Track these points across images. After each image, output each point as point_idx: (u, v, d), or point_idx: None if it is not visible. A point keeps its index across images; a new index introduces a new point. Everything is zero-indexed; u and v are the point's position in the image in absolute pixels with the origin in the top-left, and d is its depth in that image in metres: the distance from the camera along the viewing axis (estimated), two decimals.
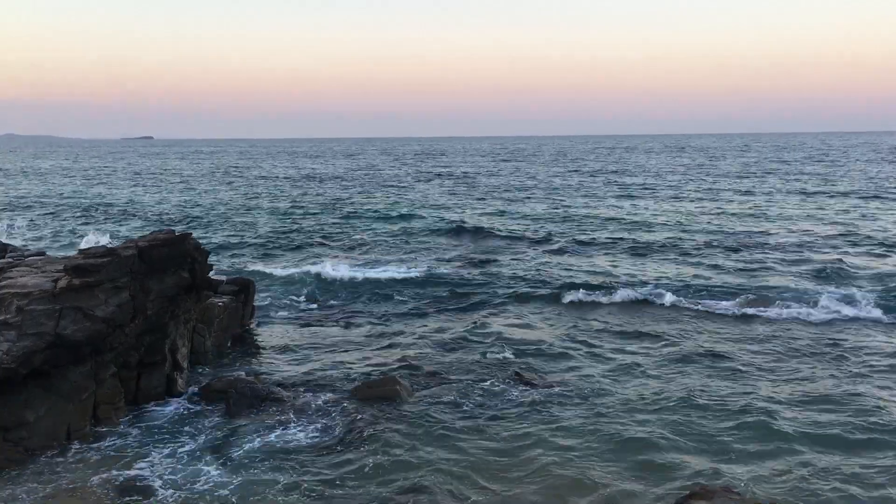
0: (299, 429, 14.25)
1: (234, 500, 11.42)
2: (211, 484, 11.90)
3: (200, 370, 17.45)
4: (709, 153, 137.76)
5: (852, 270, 27.03)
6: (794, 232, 36.31)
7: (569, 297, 23.85)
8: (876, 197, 52.02)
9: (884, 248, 31.59)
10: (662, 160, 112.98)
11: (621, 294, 23.87)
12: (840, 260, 28.65)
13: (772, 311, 21.70)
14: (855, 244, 32.81)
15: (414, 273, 27.84)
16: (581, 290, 24.41)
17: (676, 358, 17.87)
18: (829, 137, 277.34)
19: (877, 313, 21.25)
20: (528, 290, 25.06)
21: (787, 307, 21.93)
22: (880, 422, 13.73)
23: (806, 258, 29.57)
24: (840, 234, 35.34)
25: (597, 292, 24.22)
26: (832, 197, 52.84)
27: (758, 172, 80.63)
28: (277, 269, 28.95)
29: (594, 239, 35.38)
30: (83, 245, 28.24)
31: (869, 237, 34.29)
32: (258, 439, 13.70)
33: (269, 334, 20.64)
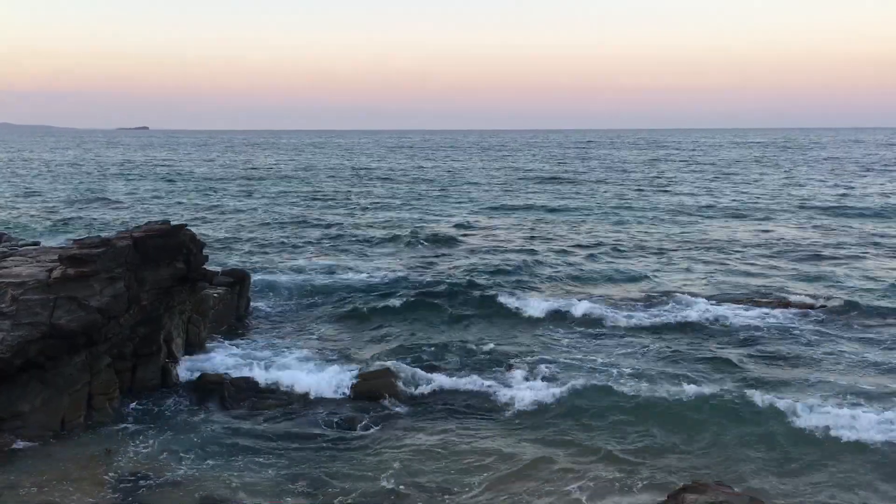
0: (292, 421, 14.28)
1: (225, 491, 11.43)
2: (203, 475, 11.91)
3: (195, 362, 17.39)
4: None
5: None
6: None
7: (569, 294, 23.92)
8: None
9: None
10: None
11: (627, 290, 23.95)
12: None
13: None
14: None
15: (410, 269, 27.82)
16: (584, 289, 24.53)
17: (677, 356, 17.86)
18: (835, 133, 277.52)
19: None
20: (527, 285, 25.04)
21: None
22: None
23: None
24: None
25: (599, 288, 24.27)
26: None
27: None
28: (275, 262, 28.93)
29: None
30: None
31: None
32: (251, 431, 13.71)
33: (264, 327, 20.62)
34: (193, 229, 18.09)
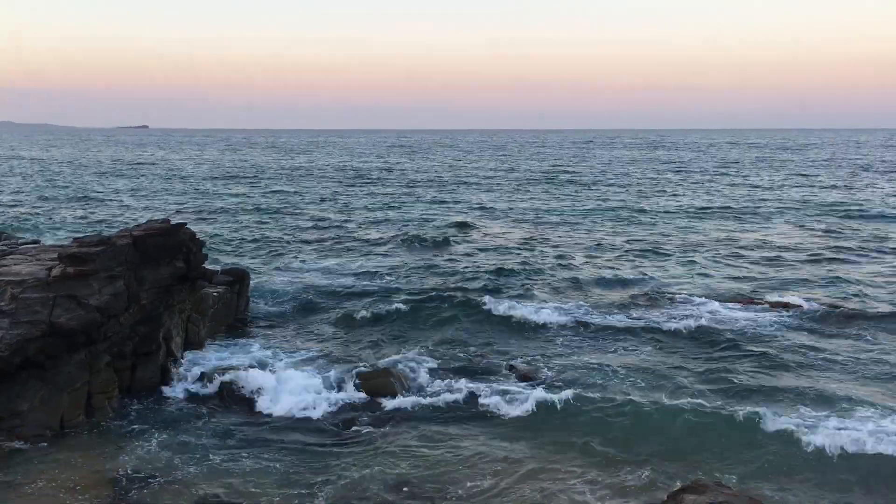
0: (292, 420, 14.26)
1: (225, 491, 11.42)
2: (202, 474, 11.90)
3: (194, 360, 17.39)
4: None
5: None
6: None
7: (570, 292, 23.92)
8: None
9: None
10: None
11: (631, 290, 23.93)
12: None
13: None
14: None
15: (410, 269, 27.80)
16: (585, 287, 24.51)
17: (675, 357, 17.85)
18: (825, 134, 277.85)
19: None
20: (527, 287, 25.01)
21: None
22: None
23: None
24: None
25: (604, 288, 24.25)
26: None
27: None
28: (275, 262, 28.90)
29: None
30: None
31: None
32: (250, 431, 13.70)
33: (263, 326, 20.62)
34: (193, 228, 18.08)
